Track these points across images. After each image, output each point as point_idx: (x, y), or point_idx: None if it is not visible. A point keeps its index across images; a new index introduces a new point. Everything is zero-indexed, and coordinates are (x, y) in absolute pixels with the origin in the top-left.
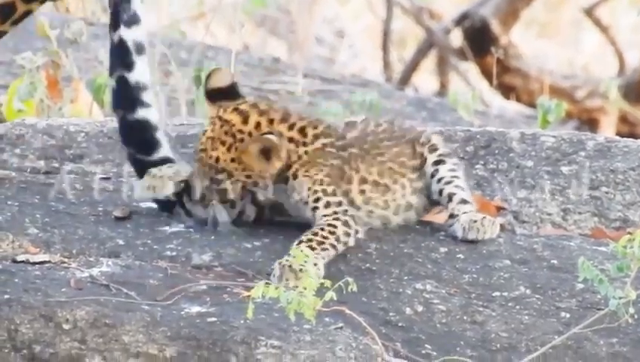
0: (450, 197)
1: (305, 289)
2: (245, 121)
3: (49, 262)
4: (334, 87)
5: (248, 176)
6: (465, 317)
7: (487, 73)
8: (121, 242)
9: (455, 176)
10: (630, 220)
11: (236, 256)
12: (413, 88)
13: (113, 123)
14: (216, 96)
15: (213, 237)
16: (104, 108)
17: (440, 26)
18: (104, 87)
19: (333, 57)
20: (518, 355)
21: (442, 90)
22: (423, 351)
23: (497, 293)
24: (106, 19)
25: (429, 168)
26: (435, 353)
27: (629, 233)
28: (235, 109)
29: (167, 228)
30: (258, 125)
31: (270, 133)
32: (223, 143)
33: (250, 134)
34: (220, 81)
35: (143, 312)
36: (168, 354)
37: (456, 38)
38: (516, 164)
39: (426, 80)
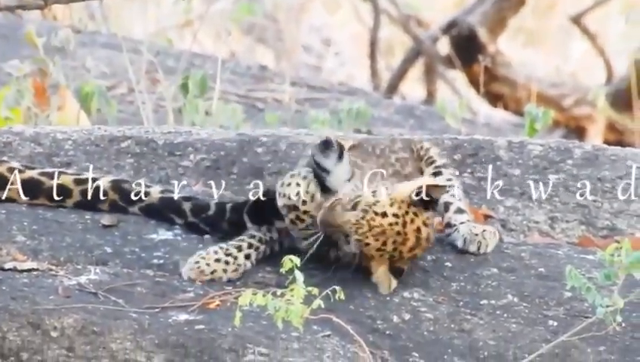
0: (446, 206)
1: (293, 296)
2: (411, 250)
3: (37, 269)
4: (322, 95)
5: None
6: (452, 326)
7: (474, 81)
8: (108, 250)
9: (451, 186)
10: (617, 228)
11: None
12: (401, 96)
13: (100, 131)
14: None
15: (200, 246)
16: (91, 116)
17: (427, 34)
18: (91, 95)
19: (321, 65)
20: None
21: (430, 98)
22: (411, 359)
23: (485, 301)
24: (93, 26)
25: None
26: (422, 361)
27: (617, 241)
28: (418, 230)
29: (154, 235)
30: (412, 250)
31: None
32: (384, 244)
33: (401, 255)
34: (437, 193)
35: (131, 320)
36: (156, 361)
37: (444, 46)
38: (504, 172)
39: (413, 88)
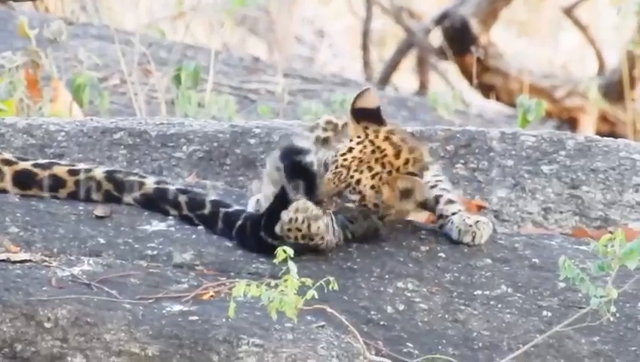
0: (436, 199)
1: (287, 287)
2: (397, 155)
3: (30, 260)
4: (314, 87)
5: (376, 206)
6: (447, 316)
7: (466, 72)
8: (102, 241)
9: (439, 180)
10: (611, 219)
11: (217, 255)
12: (393, 88)
13: (93, 122)
14: (361, 115)
15: (194, 236)
16: (84, 108)
17: (420, 26)
18: (84, 87)
19: (314, 57)
20: (499, 354)
21: (422, 90)
22: (405, 350)
23: (479, 292)
24: (85, 18)
25: None
26: (416, 351)
27: (610, 232)
28: (387, 139)
29: (148, 226)
30: (407, 162)
31: (417, 175)
32: (370, 169)
33: (398, 169)
34: (368, 102)
35: (125, 311)
36: (150, 352)
37: (436, 38)
38: (497, 163)
39: (406, 79)
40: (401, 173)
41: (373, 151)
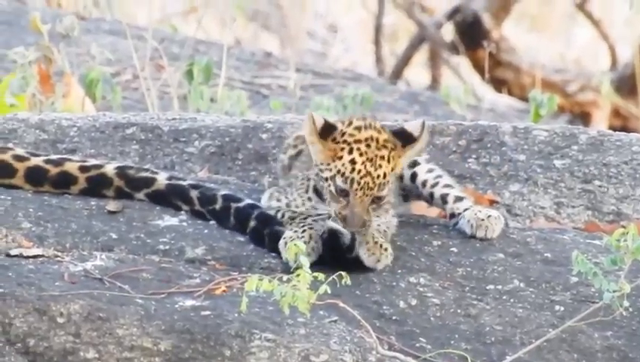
0: (443, 199)
1: (299, 282)
2: (380, 131)
3: (42, 256)
4: (326, 82)
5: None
6: (459, 311)
7: (478, 67)
8: (114, 236)
9: (438, 176)
10: (623, 213)
11: (229, 250)
12: (406, 82)
13: (105, 118)
14: (326, 132)
15: (206, 231)
16: (96, 103)
17: (432, 20)
18: (96, 82)
19: (326, 51)
20: (512, 348)
21: (434, 84)
22: (417, 345)
23: (491, 287)
24: (97, 13)
25: (405, 171)
26: (429, 346)
27: (623, 226)
28: (363, 128)
29: (160, 221)
30: (384, 129)
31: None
32: (382, 158)
33: (393, 142)
34: (320, 122)
35: (137, 306)
36: (163, 347)
37: (448, 32)
38: (509, 158)
39: (418, 74)
40: (395, 141)
41: (368, 146)
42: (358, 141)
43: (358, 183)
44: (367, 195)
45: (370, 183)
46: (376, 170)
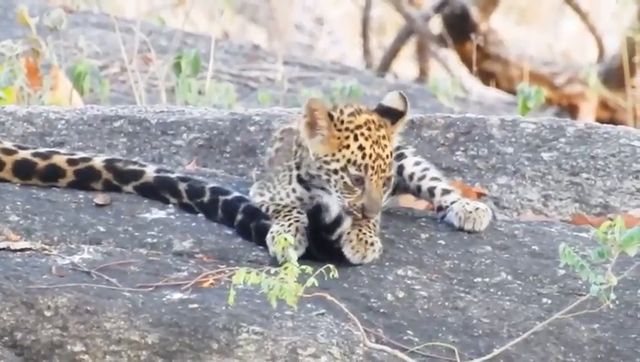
0: (431, 192)
1: (287, 275)
2: (370, 113)
3: (30, 249)
4: (314, 74)
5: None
6: (446, 303)
7: (466, 60)
8: (102, 229)
9: (425, 169)
10: (611, 206)
11: (217, 243)
12: (393, 75)
13: (93, 110)
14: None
15: (194, 224)
16: (84, 96)
17: (419, 13)
18: (84, 75)
19: (313, 44)
20: (499, 341)
21: (422, 77)
22: (405, 337)
23: (479, 279)
24: (85, 6)
25: None
26: (416, 339)
27: (610, 219)
28: (357, 113)
29: (148, 215)
30: (371, 112)
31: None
32: (384, 137)
33: (384, 122)
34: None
35: (125, 299)
36: (150, 340)
37: (436, 25)
38: (496, 151)
39: (405, 66)
40: (384, 119)
41: (369, 129)
42: (358, 127)
43: (372, 168)
44: (381, 178)
45: (382, 165)
46: (383, 150)
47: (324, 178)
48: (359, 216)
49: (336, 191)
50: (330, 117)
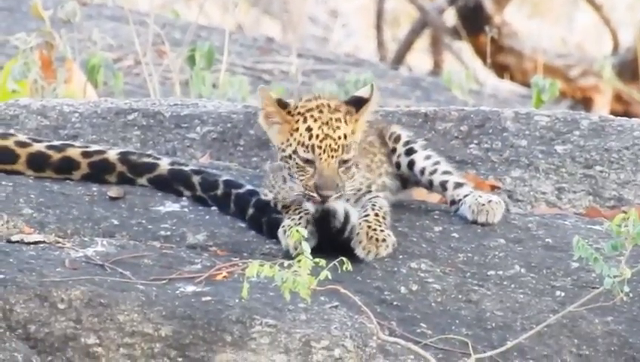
0: (443, 186)
1: (300, 268)
2: (330, 100)
3: (44, 242)
4: (328, 67)
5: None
6: (460, 296)
7: (480, 52)
8: (115, 222)
9: (436, 163)
10: (624, 199)
11: (230, 236)
12: (407, 67)
13: (107, 103)
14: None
15: (207, 217)
16: (98, 89)
17: (434, 6)
18: (98, 68)
19: (327, 37)
20: (513, 334)
21: (436, 70)
22: (418, 330)
23: (492, 272)
24: None
25: (402, 159)
26: (430, 332)
27: (624, 212)
28: (306, 100)
29: (161, 207)
30: (333, 99)
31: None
32: (338, 120)
33: (343, 106)
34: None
35: (138, 292)
36: (163, 333)
37: (450, 18)
38: (510, 144)
39: (419, 59)
40: (348, 107)
41: (321, 111)
42: (309, 110)
43: (319, 147)
44: (332, 157)
45: (333, 145)
46: (334, 131)
47: (285, 166)
48: (316, 196)
49: (295, 176)
50: (285, 106)
